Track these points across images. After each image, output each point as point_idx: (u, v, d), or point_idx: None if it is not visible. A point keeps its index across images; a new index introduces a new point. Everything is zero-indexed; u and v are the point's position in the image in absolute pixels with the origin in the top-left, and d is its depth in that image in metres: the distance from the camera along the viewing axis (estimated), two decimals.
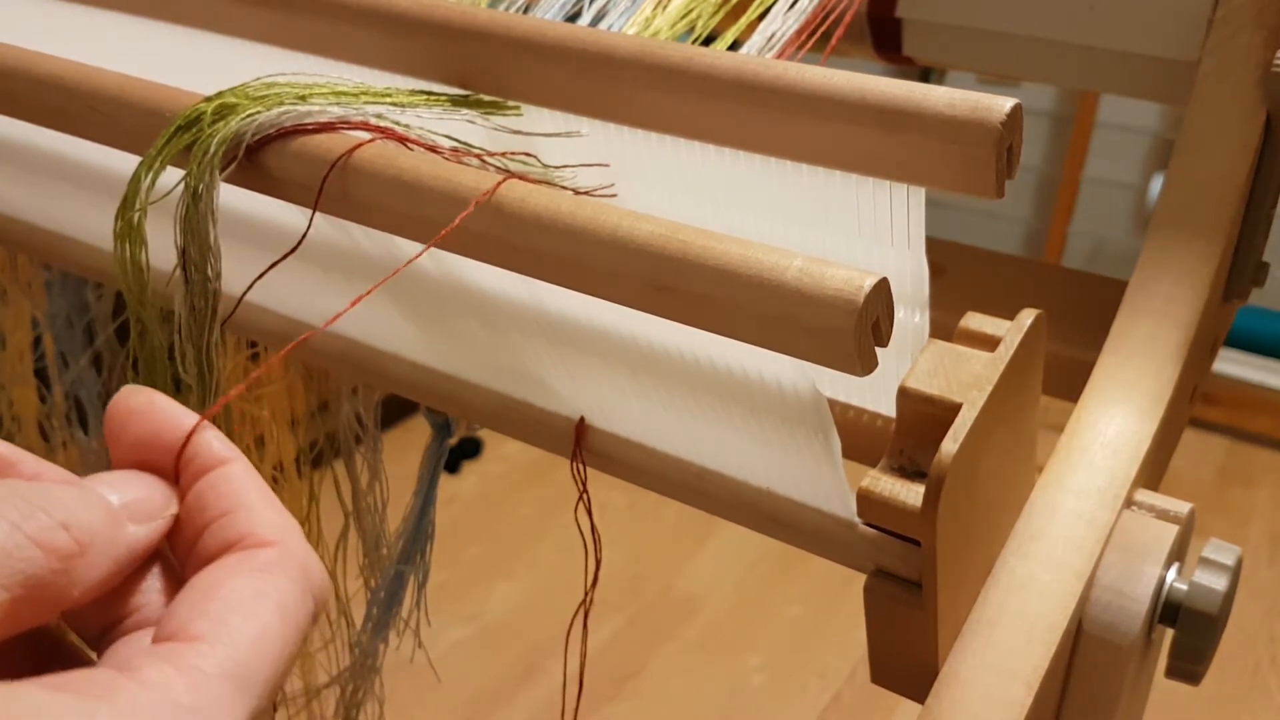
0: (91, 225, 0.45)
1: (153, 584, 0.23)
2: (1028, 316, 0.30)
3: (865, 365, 0.25)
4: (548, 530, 1.69)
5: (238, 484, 0.24)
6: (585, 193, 0.32)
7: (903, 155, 0.28)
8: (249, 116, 0.30)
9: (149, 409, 0.24)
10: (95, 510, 0.22)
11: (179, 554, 0.24)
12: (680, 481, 0.34)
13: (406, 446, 0.71)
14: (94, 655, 0.24)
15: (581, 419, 0.36)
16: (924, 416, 0.28)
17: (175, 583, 0.24)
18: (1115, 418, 0.35)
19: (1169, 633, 0.34)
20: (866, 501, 0.28)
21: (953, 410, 0.28)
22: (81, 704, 0.18)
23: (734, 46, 0.38)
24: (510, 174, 0.30)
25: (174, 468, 0.24)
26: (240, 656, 0.20)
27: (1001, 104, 0.27)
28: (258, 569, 0.22)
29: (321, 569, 0.23)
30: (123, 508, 0.23)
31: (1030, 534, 0.32)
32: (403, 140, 0.31)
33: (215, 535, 0.23)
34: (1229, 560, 0.33)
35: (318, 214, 0.31)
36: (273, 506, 0.23)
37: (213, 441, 0.24)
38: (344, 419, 0.57)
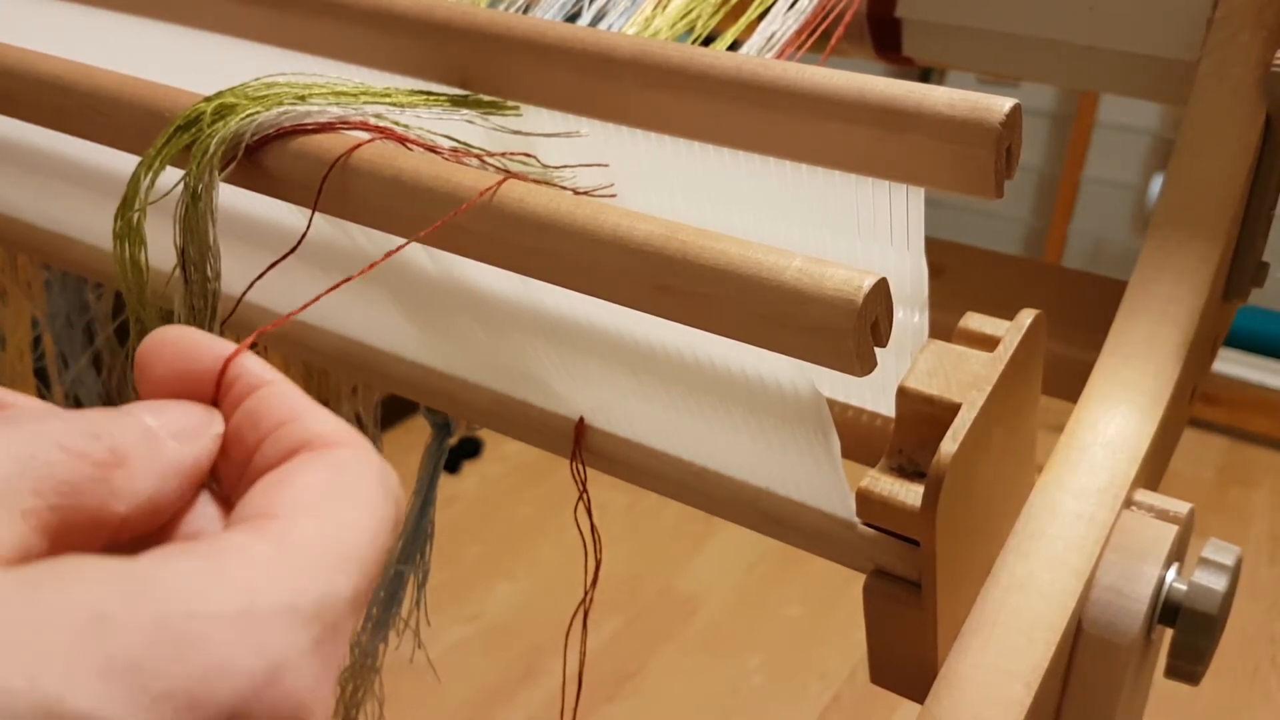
0: (91, 225, 0.45)
1: (211, 525, 0.22)
2: (1027, 316, 0.30)
3: (864, 365, 0.25)
4: (548, 530, 1.69)
5: (291, 396, 0.22)
6: (585, 193, 0.32)
7: (902, 155, 0.28)
8: (248, 116, 0.30)
9: (184, 338, 0.23)
10: (127, 424, 0.20)
11: (230, 481, 0.22)
12: (680, 481, 0.34)
13: (406, 446, 0.71)
14: None
15: (581, 419, 0.36)
16: (923, 416, 0.28)
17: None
18: (1115, 418, 0.35)
19: (1168, 633, 0.34)
20: (866, 501, 0.28)
21: (952, 410, 0.28)
22: (217, 564, 0.17)
23: (734, 47, 0.38)
24: (510, 174, 0.30)
25: (213, 395, 0.22)
26: (332, 530, 0.19)
27: (1001, 104, 0.27)
28: (332, 465, 0.21)
29: (396, 478, 0.21)
30: (160, 426, 0.21)
31: (1030, 534, 0.32)
32: (402, 140, 0.31)
33: (275, 445, 0.21)
34: (1228, 560, 0.33)
35: (317, 214, 0.31)
36: (333, 416, 0.22)
37: (255, 364, 0.22)
38: (344, 418, 0.57)
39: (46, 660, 0.15)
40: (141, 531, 0.20)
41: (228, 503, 0.22)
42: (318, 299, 0.29)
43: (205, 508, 0.22)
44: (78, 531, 0.19)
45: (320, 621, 0.18)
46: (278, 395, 0.22)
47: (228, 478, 0.22)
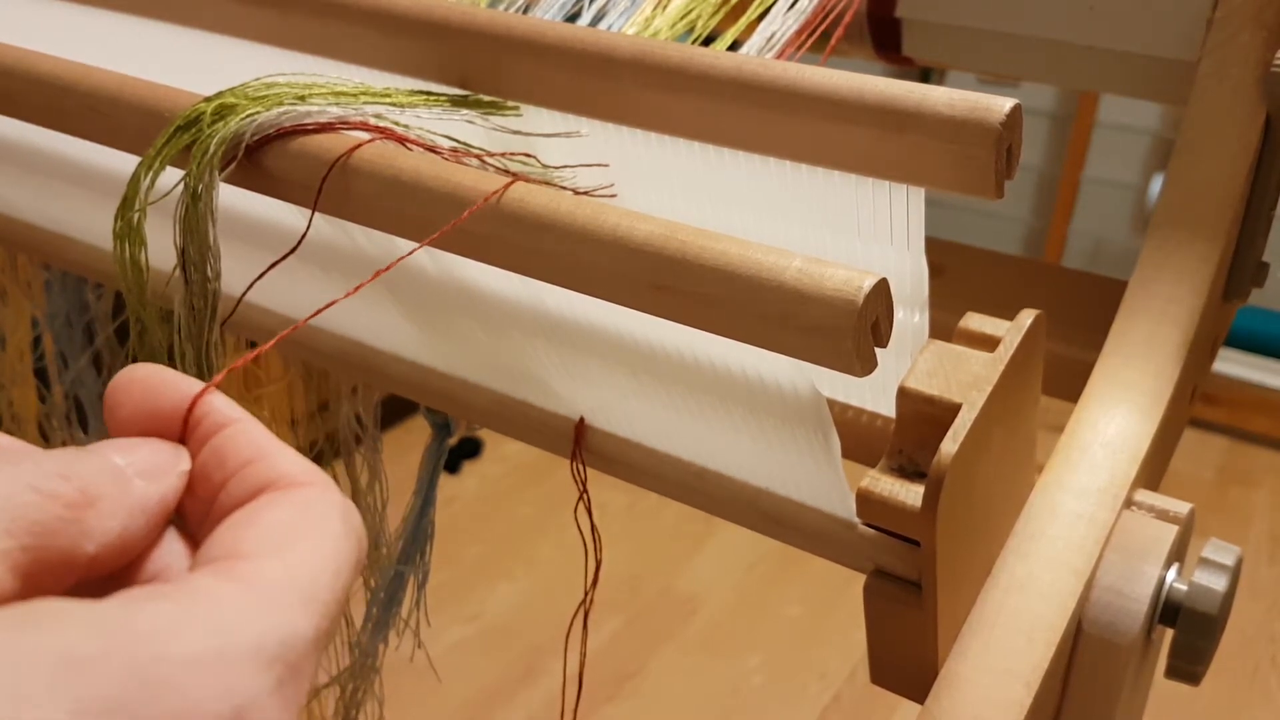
0: (91, 225, 0.45)
1: (177, 561, 0.22)
2: (1027, 316, 0.30)
3: (864, 365, 0.25)
4: (548, 530, 1.69)
5: (257, 435, 0.22)
6: (585, 193, 0.32)
7: (902, 155, 0.28)
8: (248, 116, 0.30)
9: (152, 377, 0.23)
10: (96, 465, 0.21)
11: (196, 518, 0.22)
12: (680, 481, 0.34)
13: (406, 446, 0.71)
14: None
15: (581, 419, 0.36)
16: (923, 416, 0.28)
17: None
18: (1115, 418, 0.35)
19: (1169, 633, 0.34)
20: (866, 501, 0.28)
21: (952, 410, 0.28)
22: (186, 607, 0.18)
23: (734, 47, 0.37)
24: (514, 175, 0.30)
25: (180, 433, 0.23)
26: (296, 570, 0.19)
27: (1001, 104, 0.27)
28: (296, 504, 0.21)
29: (359, 516, 0.22)
30: (128, 465, 0.21)
31: (1030, 534, 0.32)
32: (402, 140, 0.31)
33: (241, 484, 0.22)
34: (1229, 560, 0.33)
35: (317, 214, 0.31)
36: (298, 455, 0.22)
37: (221, 403, 0.23)
38: (344, 419, 0.57)
39: (21, 703, 0.15)
40: (110, 569, 0.21)
41: (194, 539, 0.22)
42: (327, 308, 0.29)
43: (171, 544, 0.22)
44: (49, 571, 0.19)
45: (283, 662, 0.18)
46: (244, 434, 0.22)
47: (194, 514, 0.22)
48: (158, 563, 0.22)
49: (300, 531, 0.20)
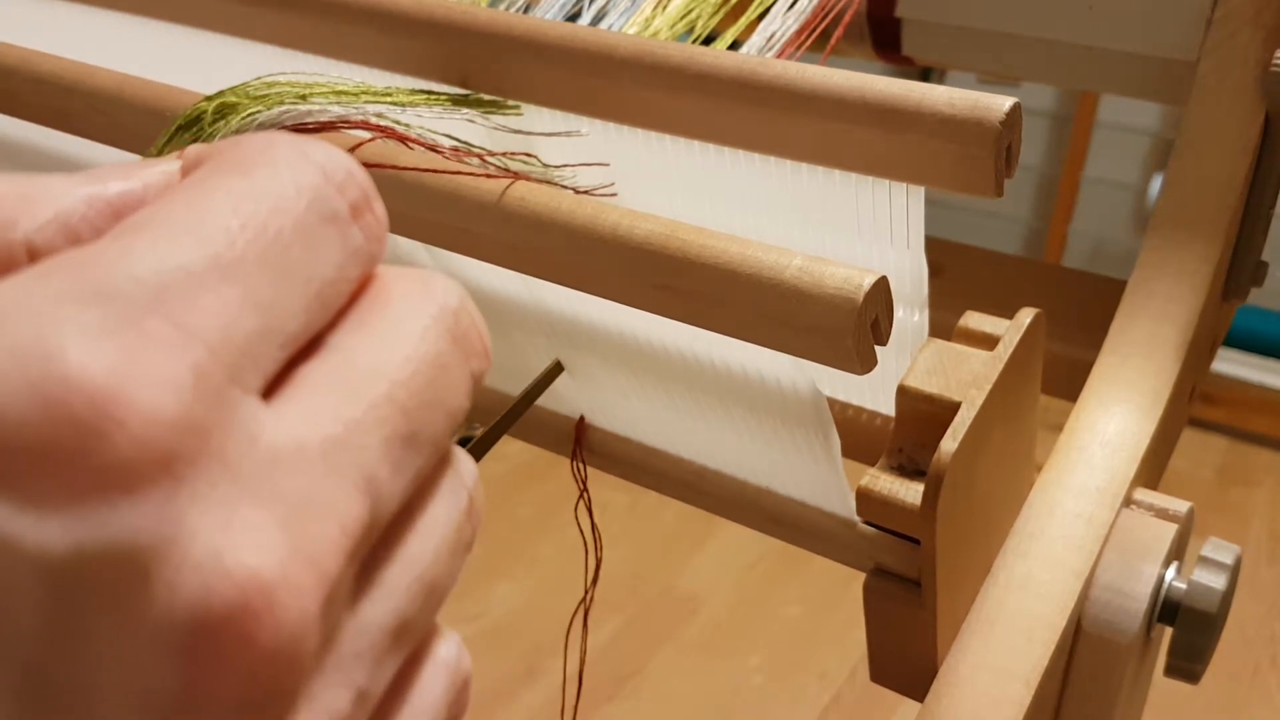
0: None
1: None
2: (1027, 315, 0.30)
3: (864, 364, 0.25)
4: (548, 530, 1.69)
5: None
6: (585, 192, 0.32)
7: (902, 154, 0.28)
8: (249, 116, 0.31)
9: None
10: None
11: None
12: (680, 480, 0.34)
13: None
14: None
15: (581, 418, 0.36)
16: (923, 415, 0.28)
17: None
18: (1114, 417, 0.35)
19: (1168, 631, 0.34)
20: (866, 500, 0.28)
21: (952, 409, 0.28)
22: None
23: (734, 46, 0.38)
24: (513, 174, 0.30)
25: None
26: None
27: (1001, 103, 0.27)
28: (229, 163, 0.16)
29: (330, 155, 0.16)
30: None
31: (1029, 533, 0.33)
32: (403, 139, 0.31)
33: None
34: (1228, 559, 0.33)
35: None
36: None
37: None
38: None
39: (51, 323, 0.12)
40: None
41: None
42: None
43: None
44: None
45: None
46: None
47: None
48: None
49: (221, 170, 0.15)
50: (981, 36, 0.48)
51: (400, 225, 0.30)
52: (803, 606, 1.57)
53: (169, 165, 0.18)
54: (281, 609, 0.13)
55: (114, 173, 0.17)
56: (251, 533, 0.13)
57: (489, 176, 0.29)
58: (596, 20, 0.39)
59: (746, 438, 0.32)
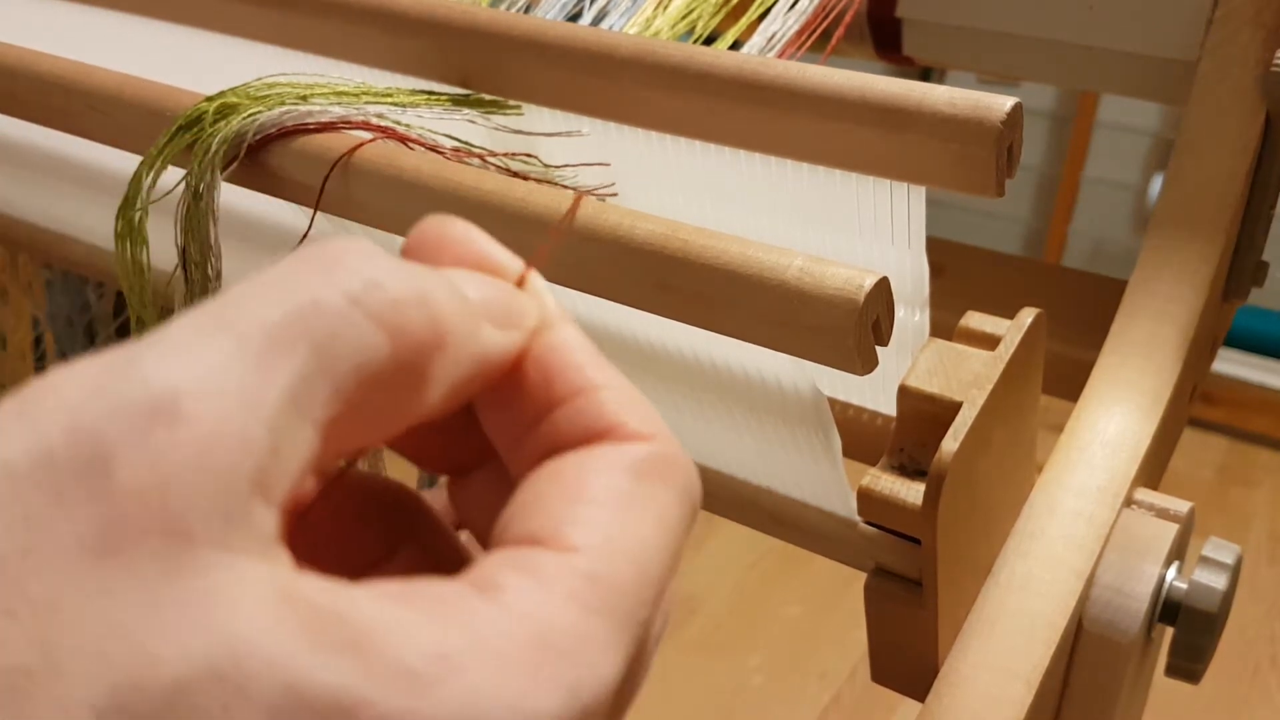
0: (93, 224, 0.45)
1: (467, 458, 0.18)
2: (1028, 315, 0.30)
3: (865, 364, 0.25)
4: None
5: (589, 356, 0.18)
6: (586, 192, 0.32)
7: (903, 154, 0.28)
8: (250, 116, 0.31)
9: (467, 238, 0.18)
10: (445, 292, 0.16)
11: (501, 423, 0.18)
12: None
13: None
14: (459, 541, 0.19)
15: None
16: (924, 415, 0.28)
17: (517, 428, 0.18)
18: (1115, 417, 0.35)
19: (1169, 631, 0.34)
20: (867, 500, 0.28)
21: (953, 409, 0.28)
22: (429, 627, 0.14)
23: (734, 46, 0.38)
24: (514, 174, 0.30)
25: None
26: (620, 583, 0.15)
27: (1001, 103, 0.27)
28: (634, 471, 0.17)
29: (698, 477, 0.18)
30: (480, 301, 0.17)
31: (1030, 532, 0.33)
32: (404, 140, 0.31)
33: (572, 418, 0.17)
34: (1228, 559, 0.33)
35: (319, 213, 0.31)
36: (638, 394, 0.18)
37: (547, 292, 0.18)
38: None
39: None
40: (435, 417, 0.16)
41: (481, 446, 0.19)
42: None
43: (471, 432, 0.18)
44: (361, 433, 0.15)
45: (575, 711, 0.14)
46: (575, 350, 0.18)
47: (497, 418, 0.18)
48: (481, 441, 0.18)
49: (633, 517, 0.16)
50: (982, 36, 0.48)
51: (400, 226, 0.30)
52: (803, 606, 1.57)
53: (530, 318, 0.18)
54: None
55: (498, 316, 0.17)
56: None
57: (490, 176, 0.29)
58: (597, 20, 0.39)
59: (747, 438, 0.32)
